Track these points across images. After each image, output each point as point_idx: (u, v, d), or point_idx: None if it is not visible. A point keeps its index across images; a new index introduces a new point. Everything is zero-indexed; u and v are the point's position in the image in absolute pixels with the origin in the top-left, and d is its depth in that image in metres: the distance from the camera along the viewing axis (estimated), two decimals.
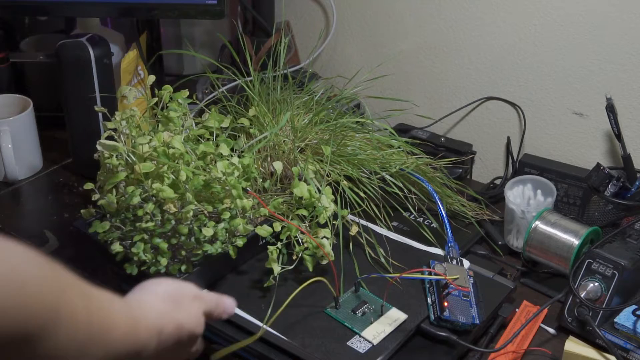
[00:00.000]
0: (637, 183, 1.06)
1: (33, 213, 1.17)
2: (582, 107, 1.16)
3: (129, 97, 1.03)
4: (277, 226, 0.91)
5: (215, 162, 0.93)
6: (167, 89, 1.01)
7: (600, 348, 0.88)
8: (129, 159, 0.94)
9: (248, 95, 1.08)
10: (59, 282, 0.54)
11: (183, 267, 0.87)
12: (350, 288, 0.91)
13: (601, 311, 0.89)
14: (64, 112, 1.19)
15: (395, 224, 1.06)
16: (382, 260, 0.97)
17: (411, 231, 1.05)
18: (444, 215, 1.00)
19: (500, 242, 1.08)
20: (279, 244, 0.89)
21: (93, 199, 0.93)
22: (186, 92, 1.03)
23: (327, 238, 0.91)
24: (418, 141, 1.19)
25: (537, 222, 1.01)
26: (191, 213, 0.87)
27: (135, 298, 0.70)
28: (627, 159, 1.09)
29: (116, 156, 0.94)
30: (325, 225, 0.92)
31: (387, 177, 1.01)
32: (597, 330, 0.87)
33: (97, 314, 0.57)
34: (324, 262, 0.91)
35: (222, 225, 0.88)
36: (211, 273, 0.91)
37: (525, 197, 1.10)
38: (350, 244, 0.98)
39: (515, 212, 1.06)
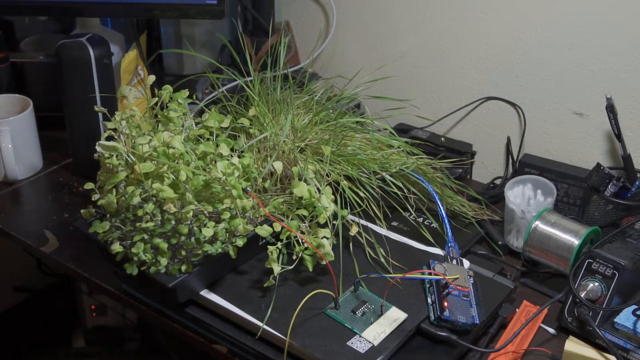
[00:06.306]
0: (637, 183, 1.06)
1: (33, 213, 1.17)
2: (582, 107, 1.16)
3: (129, 97, 1.03)
4: (277, 226, 0.91)
5: (215, 162, 0.93)
6: (167, 89, 1.01)
7: (600, 348, 0.88)
8: (129, 159, 0.94)
9: (248, 95, 1.08)
10: None
11: (183, 267, 0.87)
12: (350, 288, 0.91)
13: (601, 311, 0.89)
14: (64, 112, 1.19)
15: (395, 224, 1.06)
16: (382, 260, 0.97)
17: (411, 231, 1.05)
18: (444, 215, 1.00)
19: (500, 242, 1.08)
20: (279, 244, 0.89)
21: (93, 199, 0.93)
22: (186, 92, 1.03)
23: (327, 238, 0.91)
24: (418, 141, 1.19)
25: (537, 222, 1.01)
26: (191, 213, 0.87)
27: None
28: (627, 159, 1.09)
29: (116, 156, 0.94)
30: (325, 225, 0.92)
31: (387, 177, 1.01)
32: (597, 330, 0.87)
33: None
34: (324, 262, 0.90)
35: (222, 225, 0.88)
36: (211, 273, 0.90)
37: (525, 197, 1.10)
38: (350, 244, 0.98)
39: (515, 212, 1.06)
